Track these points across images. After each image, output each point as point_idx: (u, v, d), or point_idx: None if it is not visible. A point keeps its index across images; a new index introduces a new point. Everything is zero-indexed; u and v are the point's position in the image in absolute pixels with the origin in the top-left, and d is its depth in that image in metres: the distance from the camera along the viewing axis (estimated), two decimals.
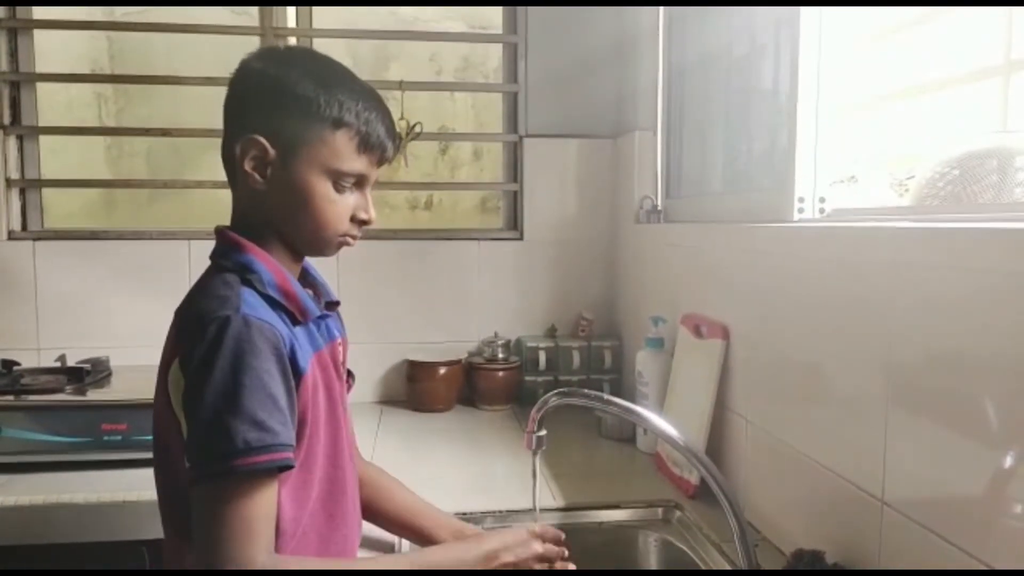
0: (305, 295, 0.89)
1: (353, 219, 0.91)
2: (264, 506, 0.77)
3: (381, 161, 0.91)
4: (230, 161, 0.88)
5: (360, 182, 0.90)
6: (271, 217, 0.89)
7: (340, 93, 0.86)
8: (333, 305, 1.00)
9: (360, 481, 1.08)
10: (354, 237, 0.93)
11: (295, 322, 0.86)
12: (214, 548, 0.75)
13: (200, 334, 0.78)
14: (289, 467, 0.79)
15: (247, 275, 0.84)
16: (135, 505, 1.32)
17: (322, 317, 0.93)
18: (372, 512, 1.09)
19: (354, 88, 0.88)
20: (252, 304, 0.81)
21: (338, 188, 0.88)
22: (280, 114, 0.85)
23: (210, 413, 0.75)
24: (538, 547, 0.99)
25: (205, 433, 0.76)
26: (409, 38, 2.23)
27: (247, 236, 0.88)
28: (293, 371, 0.82)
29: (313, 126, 0.85)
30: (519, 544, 0.98)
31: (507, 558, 0.96)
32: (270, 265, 0.86)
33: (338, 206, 0.88)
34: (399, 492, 1.12)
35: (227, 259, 0.86)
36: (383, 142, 0.89)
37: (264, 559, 0.75)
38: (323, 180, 0.86)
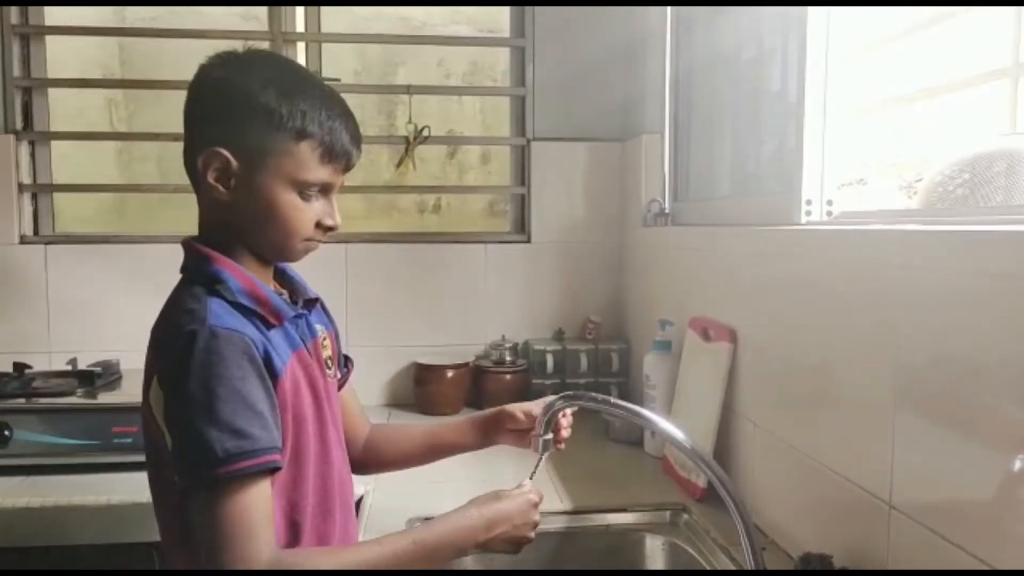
0: (277, 298, 0.89)
1: (319, 225, 0.91)
2: (256, 507, 0.77)
3: (346, 168, 0.91)
4: (193, 171, 0.88)
5: (325, 189, 0.90)
6: (237, 226, 0.89)
7: (303, 102, 0.85)
8: (312, 303, 1.00)
9: (374, 441, 1.14)
10: (319, 242, 0.93)
11: (268, 325, 0.86)
12: (215, 553, 0.76)
13: (170, 350, 0.80)
14: (276, 469, 0.79)
15: (215, 286, 0.84)
16: (145, 507, 1.29)
17: (299, 316, 0.93)
18: (396, 456, 1.15)
19: (316, 95, 0.87)
20: (219, 314, 0.81)
21: (304, 197, 0.88)
22: (243, 126, 0.84)
23: (188, 426, 0.77)
24: (536, 517, 0.99)
25: (186, 446, 0.77)
26: (417, 42, 2.24)
27: (213, 246, 0.88)
28: (269, 374, 0.82)
29: (277, 138, 0.84)
30: (520, 514, 0.96)
31: (504, 528, 0.94)
32: (237, 273, 0.86)
33: (304, 214, 0.88)
34: (415, 428, 1.18)
35: (195, 271, 0.87)
36: (347, 149, 0.89)
37: (267, 556, 0.76)
38: (288, 190, 0.86)
